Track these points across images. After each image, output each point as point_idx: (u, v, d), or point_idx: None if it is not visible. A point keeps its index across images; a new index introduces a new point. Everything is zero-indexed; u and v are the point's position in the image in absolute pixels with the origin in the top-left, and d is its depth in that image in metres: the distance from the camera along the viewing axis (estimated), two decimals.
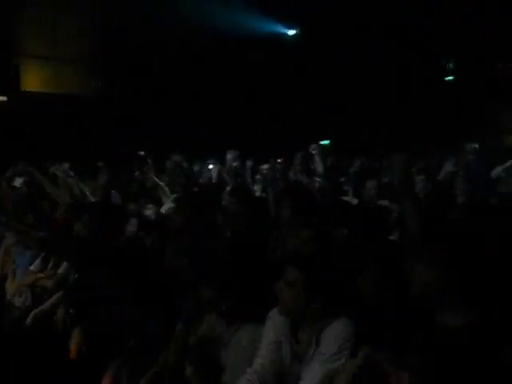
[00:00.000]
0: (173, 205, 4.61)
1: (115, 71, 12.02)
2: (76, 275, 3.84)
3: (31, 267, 4.36)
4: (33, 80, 11.78)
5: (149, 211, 4.80)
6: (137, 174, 7.04)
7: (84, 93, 12.15)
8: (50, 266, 4.24)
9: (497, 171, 6.49)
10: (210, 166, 7.01)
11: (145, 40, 11.63)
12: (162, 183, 5.74)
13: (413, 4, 12.22)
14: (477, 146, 7.38)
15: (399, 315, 2.21)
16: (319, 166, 6.04)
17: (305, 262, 2.03)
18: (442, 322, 2.04)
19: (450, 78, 14.51)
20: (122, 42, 11.71)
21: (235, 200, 4.14)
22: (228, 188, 5.28)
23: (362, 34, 12.48)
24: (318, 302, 1.98)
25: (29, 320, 3.80)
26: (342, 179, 6.67)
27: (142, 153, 7.74)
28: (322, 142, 15.72)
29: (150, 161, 6.04)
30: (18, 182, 5.92)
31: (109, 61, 12.00)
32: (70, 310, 3.56)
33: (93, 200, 5.26)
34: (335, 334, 1.98)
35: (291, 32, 13.79)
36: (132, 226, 4.03)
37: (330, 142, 15.23)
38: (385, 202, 4.57)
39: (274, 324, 2.18)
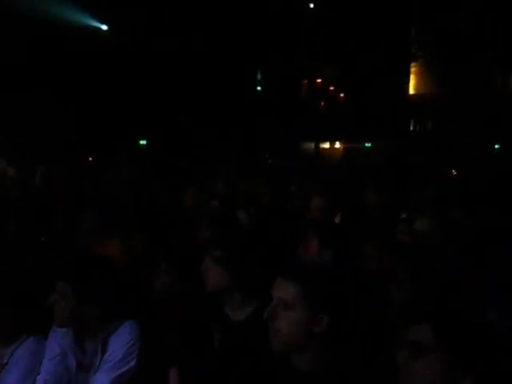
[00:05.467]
0: None
1: None
2: None
3: None
4: None
5: None
6: None
7: None
8: None
9: None
10: None
11: None
12: None
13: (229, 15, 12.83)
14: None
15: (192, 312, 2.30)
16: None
17: (73, 274, 1.98)
18: (228, 316, 2.21)
19: (259, 88, 15.72)
20: None
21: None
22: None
23: (177, 36, 12.65)
24: (94, 310, 1.94)
25: None
26: None
27: None
28: (140, 142, 15.50)
29: None
30: None
31: None
32: None
33: None
34: (121, 339, 1.96)
35: (104, 27, 13.21)
36: None
37: (147, 142, 15.11)
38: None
39: (58, 335, 2.06)
